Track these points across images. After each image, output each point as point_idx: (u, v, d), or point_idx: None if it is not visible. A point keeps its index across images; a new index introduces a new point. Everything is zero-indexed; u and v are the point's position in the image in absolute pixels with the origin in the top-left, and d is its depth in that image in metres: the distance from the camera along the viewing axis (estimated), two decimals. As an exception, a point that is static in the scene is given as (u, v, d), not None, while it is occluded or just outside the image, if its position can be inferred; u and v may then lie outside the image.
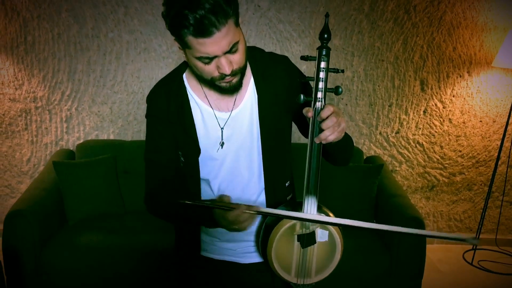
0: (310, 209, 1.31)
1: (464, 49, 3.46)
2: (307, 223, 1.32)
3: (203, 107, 1.41)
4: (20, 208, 2.55)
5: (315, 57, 1.25)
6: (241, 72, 1.31)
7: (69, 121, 3.45)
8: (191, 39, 1.19)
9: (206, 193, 1.46)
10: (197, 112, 1.41)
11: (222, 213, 1.26)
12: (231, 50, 1.23)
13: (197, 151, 1.41)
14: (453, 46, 3.45)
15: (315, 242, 1.34)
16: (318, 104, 1.24)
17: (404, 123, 3.58)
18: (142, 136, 3.50)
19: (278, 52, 3.35)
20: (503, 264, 3.47)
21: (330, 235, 1.36)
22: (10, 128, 3.45)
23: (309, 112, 1.23)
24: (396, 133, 3.60)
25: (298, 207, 1.34)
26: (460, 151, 3.66)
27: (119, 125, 3.48)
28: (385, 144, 3.61)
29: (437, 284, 3.21)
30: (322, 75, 1.23)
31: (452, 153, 3.66)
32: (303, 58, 1.27)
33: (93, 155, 3.08)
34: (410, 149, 3.64)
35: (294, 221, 1.32)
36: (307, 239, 1.34)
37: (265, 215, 1.31)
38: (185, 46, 1.23)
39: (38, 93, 3.39)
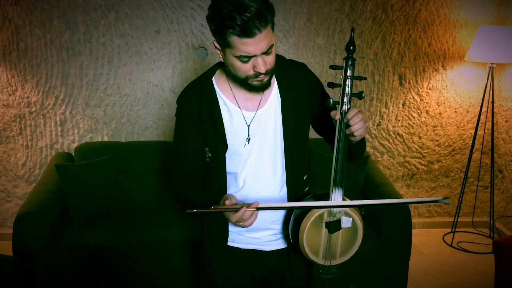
0: (337, 198, 1.50)
1: (439, 44, 3.69)
2: (334, 211, 1.50)
3: (231, 107, 1.58)
4: (29, 211, 2.64)
5: (342, 66, 1.45)
6: (271, 72, 1.49)
7: (63, 124, 3.54)
8: (234, 39, 1.37)
9: (233, 186, 1.62)
10: (225, 112, 1.58)
11: (227, 214, 1.42)
12: (267, 51, 1.42)
13: (225, 146, 1.57)
14: (428, 42, 3.68)
15: (341, 228, 1.53)
16: (344, 108, 1.43)
17: (385, 116, 3.79)
18: (135, 137, 3.61)
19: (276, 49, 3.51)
20: (479, 244, 3.73)
21: (353, 222, 1.54)
22: (4, 133, 3.51)
23: (336, 115, 1.43)
24: (377, 125, 3.81)
25: (325, 198, 1.53)
26: (437, 141, 3.89)
27: (113, 127, 3.58)
28: (367, 136, 3.82)
29: (421, 265, 3.44)
30: (348, 82, 1.43)
31: (429, 142, 3.89)
32: (332, 67, 1.48)
33: (91, 157, 3.18)
34: (391, 140, 3.86)
35: (323, 210, 1.50)
36: (334, 226, 1.52)
37: (264, 210, 1.47)
38: (226, 45, 1.40)
39: (32, 98, 3.46)
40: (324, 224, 1.52)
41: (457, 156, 3.94)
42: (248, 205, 1.40)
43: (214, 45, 1.48)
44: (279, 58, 1.59)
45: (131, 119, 3.59)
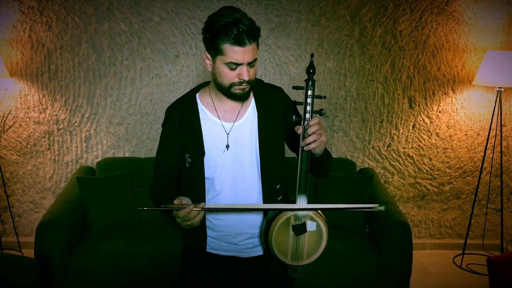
0: (302, 204, 1.65)
1: (448, 69, 3.79)
2: (299, 215, 1.66)
3: (211, 118, 1.78)
4: (49, 219, 2.87)
5: (303, 86, 1.63)
6: (252, 84, 1.70)
7: (88, 141, 3.79)
8: (227, 47, 1.58)
9: (211, 191, 1.79)
10: (205, 122, 1.77)
11: (176, 213, 1.56)
12: (252, 63, 1.64)
13: (202, 152, 1.75)
14: (438, 67, 3.78)
15: (306, 231, 1.68)
16: (306, 123, 1.60)
17: (395, 137, 3.90)
18: (154, 154, 3.81)
19: (278, 74, 3.72)
20: (490, 266, 3.74)
21: (318, 225, 1.68)
22: (34, 148, 3.79)
23: (299, 130, 1.60)
24: (387, 146, 3.92)
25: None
26: (448, 163, 3.96)
27: (134, 144, 3.82)
28: (377, 157, 3.92)
29: (428, 285, 3.48)
30: (309, 100, 1.61)
31: (440, 164, 3.96)
32: (295, 87, 1.66)
33: (111, 171, 3.41)
34: (401, 161, 3.95)
35: (290, 214, 1.66)
36: (300, 229, 1.67)
37: (208, 210, 1.62)
38: (218, 53, 1.61)
39: (60, 116, 3.74)
40: (291, 227, 1.67)
41: (468, 178, 3.99)
42: (195, 205, 1.54)
43: (205, 55, 1.68)
44: (258, 80, 1.79)
45: (151, 137, 3.82)
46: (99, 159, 3.80)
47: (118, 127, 3.78)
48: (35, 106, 3.72)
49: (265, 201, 1.78)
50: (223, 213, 1.79)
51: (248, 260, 1.85)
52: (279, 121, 1.79)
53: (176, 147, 1.79)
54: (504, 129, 3.87)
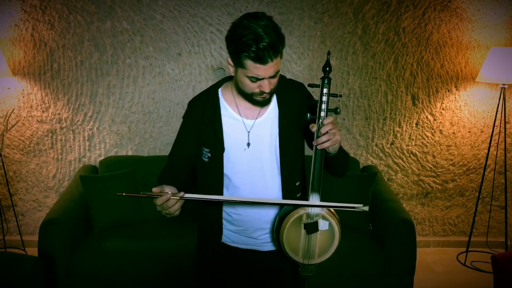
0: (285, 201, 1.68)
1: (451, 65, 3.77)
2: (311, 213, 1.66)
3: (233, 115, 1.79)
4: (53, 217, 2.88)
5: (319, 84, 1.63)
6: (274, 92, 1.71)
7: (91, 139, 3.79)
8: (248, 63, 1.58)
9: (229, 187, 1.81)
10: (226, 118, 1.78)
11: (154, 201, 1.56)
12: (274, 76, 1.64)
13: (222, 149, 1.77)
14: (441, 64, 3.77)
15: (318, 230, 1.68)
16: (320, 121, 1.60)
17: (398, 135, 3.88)
18: (157, 152, 3.83)
19: (280, 72, 3.68)
20: (494, 264, 3.73)
21: (330, 225, 1.68)
22: (37, 147, 3.79)
23: (313, 128, 1.61)
24: (391, 144, 3.90)
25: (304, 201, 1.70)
26: (452, 160, 3.94)
27: (137, 142, 3.81)
28: (381, 154, 3.91)
29: (432, 283, 3.48)
30: (324, 98, 1.61)
31: (444, 161, 3.94)
32: (310, 85, 1.68)
33: (114, 170, 3.41)
34: (405, 159, 3.93)
35: (302, 212, 1.66)
36: (311, 227, 1.67)
37: (188, 200, 1.58)
38: (240, 65, 1.61)
39: (63, 115, 3.74)
40: (302, 225, 1.66)
41: (472, 175, 3.97)
42: (175, 194, 1.54)
43: (228, 61, 1.69)
44: (280, 77, 1.78)
45: (154, 135, 3.81)
46: (102, 157, 3.80)
47: (121, 126, 3.78)
48: (37, 105, 3.72)
49: (284, 198, 1.79)
50: (241, 206, 1.81)
51: (267, 253, 1.87)
52: (300, 118, 1.80)
53: (192, 141, 1.81)
54: (508, 126, 3.85)
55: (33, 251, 3.72)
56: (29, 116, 3.73)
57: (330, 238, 1.70)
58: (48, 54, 3.64)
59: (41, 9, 3.56)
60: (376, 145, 3.90)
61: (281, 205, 1.76)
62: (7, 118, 3.68)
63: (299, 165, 1.86)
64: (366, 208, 1.55)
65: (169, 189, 1.57)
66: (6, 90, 3.68)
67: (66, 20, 3.59)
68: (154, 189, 1.56)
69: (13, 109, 3.70)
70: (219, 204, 1.83)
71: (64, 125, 3.76)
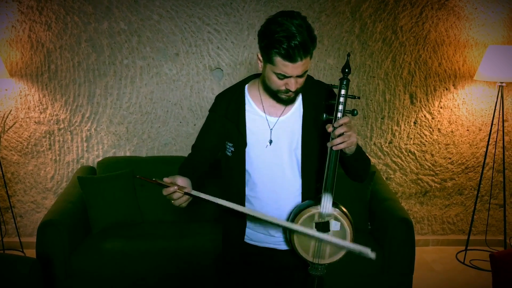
0: (326, 203, 1.66)
1: (449, 64, 3.77)
2: (323, 213, 1.66)
3: (257, 112, 1.80)
4: (51, 218, 2.87)
5: (337, 85, 1.63)
6: (299, 91, 1.73)
7: (89, 140, 3.79)
8: (278, 59, 1.59)
9: (250, 183, 1.82)
10: (250, 115, 1.80)
11: (162, 190, 1.59)
12: (301, 75, 1.64)
13: (244, 144, 1.79)
14: (439, 62, 3.77)
15: (329, 230, 1.68)
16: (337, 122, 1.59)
17: (396, 133, 3.88)
18: (155, 153, 3.83)
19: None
20: (493, 262, 3.73)
21: (342, 226, 1.68)
22: (35, 148, 3.79)
23: (329, 128, 1.60)
24: (389, 143, 3.90)
25: (318, 202, 1.69)
26: (450, 158, 3.94)
27: (135, 143, 3.81)
28: (379, 153, 3.91)
29: (431, 282, 3.48)
30: (342, 99, 1.61)
31: (442, 160, 3.94)
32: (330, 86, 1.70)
33: (112, 171, 3.40)
34: (403, 158, 3.93)
35: (313, 211, 1.66)
36: (323, 227, 1.67)
37: (192, 196, 1.61)
38: (269, 61, 1.62)
39: (61, 116, 3.73)
40: (314, 225, 1.66)
41: (470, 174, 3.97)
42: (181, 188, 1.56)
43: (258, 56, 1.70)
44: (308, 77, 1.78)
45: (152, 136, 3.81)
46: (100, 158, 3.79)
47: (118, 126, 3.78)
48: (35, 106, 3.71)
49: (303, 198, 1.80)
50: (260, 204, 1.82)
51: (285, 252, 1.87)
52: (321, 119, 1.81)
53: (215, 134, 1.84)
54: (506, 124, 3.85)
55: (31, 253, 3.71)
56: (27, 118, 3.73)
57: (342, 239, 1.69)
58: (45, 55, 3.63)
59: (38, 10, 3.56)
60: (374, 144, 3.89)
61: (283, 227, 1.76)
62: (5, 119, 3.67)
63: (320, 165, 1.85)
64: (373, 256, 1.53)
65: (181, 181, 1.60)
66: (3, 91, 3.67)
67: (63, 21, 3.58)
68: (166, 179, 1.59)
69: (11, 111, 3.70)
70: (242, 202, 1.84)
71: (61, 126, 3.76)
